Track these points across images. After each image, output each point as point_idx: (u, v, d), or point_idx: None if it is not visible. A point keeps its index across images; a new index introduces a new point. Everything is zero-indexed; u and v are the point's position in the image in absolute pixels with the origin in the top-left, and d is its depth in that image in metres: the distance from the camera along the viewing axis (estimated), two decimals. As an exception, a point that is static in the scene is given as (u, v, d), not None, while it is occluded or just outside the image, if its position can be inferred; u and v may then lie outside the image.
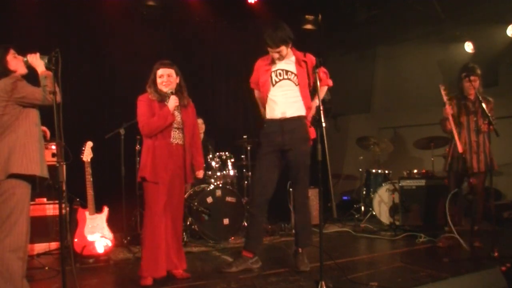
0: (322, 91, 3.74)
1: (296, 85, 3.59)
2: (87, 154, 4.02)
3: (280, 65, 3.61)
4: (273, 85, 3.59)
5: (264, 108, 3.70)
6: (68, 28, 5.80)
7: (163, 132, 3.28)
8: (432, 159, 5.96)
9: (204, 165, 5.19)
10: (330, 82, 3.77)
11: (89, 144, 4.07)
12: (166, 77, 3.35)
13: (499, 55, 6.80)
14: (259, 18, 6.92)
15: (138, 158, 5.01)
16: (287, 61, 3.63)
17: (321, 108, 2.97)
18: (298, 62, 3.61)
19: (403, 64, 8.13)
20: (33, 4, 5.59)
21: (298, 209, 3.73)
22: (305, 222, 3.69)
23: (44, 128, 2.96)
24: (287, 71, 3.59)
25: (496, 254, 3.76)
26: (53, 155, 4.31)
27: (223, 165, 5.22)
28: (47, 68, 2.71)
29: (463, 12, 6.70)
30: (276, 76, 3.60)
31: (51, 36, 5.54)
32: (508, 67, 6.71)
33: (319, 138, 2.94)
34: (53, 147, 4.37)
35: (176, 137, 3.35)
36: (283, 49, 3.52)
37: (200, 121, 5.68)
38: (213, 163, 5.18)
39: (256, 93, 3.85)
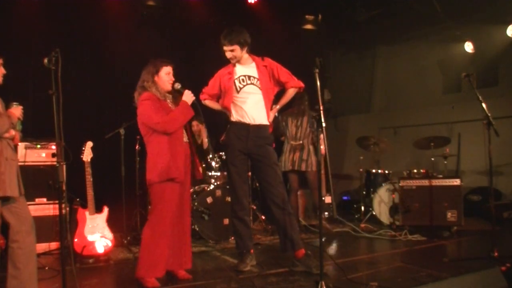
0: (290, 94, 3.77)
1: (260, 89, 3.63)
2: (87, 154, 4.02)
3: (241, 72, 3.65)
4: (238, 92, 3.63)
5: (228, 110, 3.70)
6: (68, 28, 5.80)
7: (177, 130, 3.25)
8: (432, 159, 5.97)
9: (204, 165, 5.24)
10: (301, 83, 3.77)
11: (89, 144, 4.06)
12: (171, 75, 3.34)
13: (499, 55, 6.80)
14: (259, 18, 6.92)
15: (138, 158, 5.01)
16: (248, 67, 3.67)
17: (321, 108, 2.96)
18: (258, 67, 3.66)
19: (403, 64, 8.13)
20: (33, 4, 5.59)
21: (279, 210, 3.58)
22: (292, 221, 3.62)
23: (12, 132, 2.85)
24: (249, 77, 3.64)
25: (496, 254, 3.75)
26: (53, 155, 4.28)
27: (223, 165, 5.22)
28: (48, 68, 2.70)
29: (463, 12, 6.71)
30: (240, 82, 3.63)
31: (51, 36, 5.54)
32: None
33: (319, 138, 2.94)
34: (53, 147, 4.37)
35: (184, 135, 3.35)
36: (237, 49, 3.56)
37: (194, 123, 5.68)
38: (213, 163, 5.18)
39: (210, 103, 3.83)
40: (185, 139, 3.36)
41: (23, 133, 3.10)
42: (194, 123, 5.69)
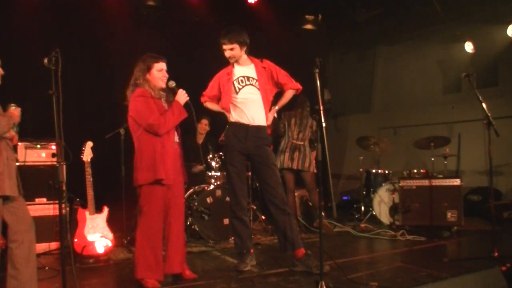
0: (288, 95, 3.78)
1: (259, 90, 3.64)
2: (87, 154, 4.01)
3: (240, 73, 3.65)
4: (237, 93, 3.63)
5: (227, 111, 3.69)
6: (68, 28, 5.80)
7: (169, 131, 3.19)
8: (432, 159, 5.97)
9: (205, 165, 5.24)
10: (299, 85, 3.78)
11: (89, 144, 4.06)
12: (165, 72, 3.24)
13: (499, 55, 6.80)
14: (259, 18, 6.92)
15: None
16: (247, 68, 3.67)
17: (321, 108, 2.96)
18: (257, 68, 3.67)
19: (403, 64, 8.13)
20: (33, 4, 5.59)
21: (278, 211, 3.59)
22: (291, 222, 3.61)
23: (12, 133, 2.84)
24: (248, 77, 3.65)
25: (496, 254, 3.75)
26: (53, 155, 4.31)
27: (223, 165, 5.21)
28: (48, 68, 2.70)
29: (463, 12, 6.71)
30: (239, 83, 3.63)
31: (51, 36, 5.54)
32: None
33: (319, 138, 2.94)
34: (53, 147, 4.37)
35: (175, 135, 3.29)
36: (236, 48, 3.57)
37: (204, 121, 5.68)
38: (213, 163, 5.18)
39: (210, 105, 3.83)
40: (176, 139, 3.31)
41: (23, 133, 3.10)
42: (204, 121, 5.69)
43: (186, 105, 3.28)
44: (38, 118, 4.48)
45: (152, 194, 3.14)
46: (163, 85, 3.25)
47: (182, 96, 3.24)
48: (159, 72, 3.21)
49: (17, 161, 2.95)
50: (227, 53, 3.62)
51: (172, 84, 3.28)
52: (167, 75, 3.26)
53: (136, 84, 3.19)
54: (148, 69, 3.20)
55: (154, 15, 6.53)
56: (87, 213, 4.00)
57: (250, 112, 3.61)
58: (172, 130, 3.24)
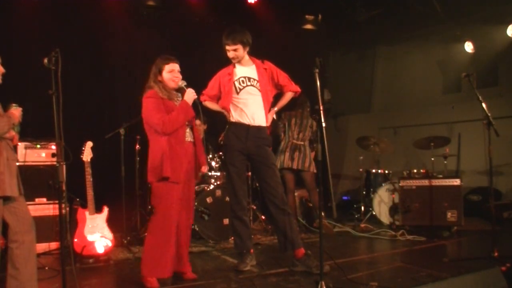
0: (288, 97, 3.80)
1: (259, 91, 3.64)
2: (87, 154, 4.01)
3: (241, 73, 3.66)
4: (238, 93, 3.63)
5: (227, 111, 3.69)
6: (68, 28, 5.80)
7: (178, 130, 3.20)
8: (432, 159, 5.97)
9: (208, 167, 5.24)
10: (298, 88, 3.80)
11: (89, 144, 4.06)
12: (177, 72, 3.28)
13: (499, 55, 6.81)
14: (259, 18, 6.93)
15: (138, 158, 5.01)
16: (248, 68, 3.67)
17: (321, 108, 2.96)
18: (258, 69, 3.68)
19: (403, 64, 8.14)
20: (33, 4, 5.59)
21: (278, 210, 3.59)
22: (291, 222, 3.61)
23: (12, 133, 2.83)
24: (249, 78, 3.65)
25: (496, 254, 3.75)
26: (53, 155, 4.31)
27: (223, 165, 5.21)
28: (48, 68, 2.70)
29: (463, 12, 6.71)
30: (240, 83, 3.63)
31: (51, 36, 5.55)
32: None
33: (319, 138, 2.94)
34: (53, 147, 4.37)
35: (187, 135, 3.31)
36: (240, 48, 3.57)
37: (197, 122, 5.68)
38: (213, 163, 5.18)
39: (210, 104, 3.82)
40: (189, 138, 3.32)
41: (23, 133, 3.10)
42: (197, 122, 5.69)
43: (194, 104, 3.29)
44: (38, 118, 4.49)
45: (159, 192, 3.18)
46: (175, 86, 3.29)
47: (190, 95, 3.27)
48: (169, 73, 3.26)
49: (17, 161, 2.95)
50: (230, 54, 3.61)
51: (182, 83, 3.31)
52: (179, 76, 3.30)
53: (149, 86, 3.27)
54: (160, 71, 3.27)
55: (154, 15, 6.52)
56: (87, 213, 4.00)
57: (250, 112, 3.61)
58: (183, 129, 3.25)
